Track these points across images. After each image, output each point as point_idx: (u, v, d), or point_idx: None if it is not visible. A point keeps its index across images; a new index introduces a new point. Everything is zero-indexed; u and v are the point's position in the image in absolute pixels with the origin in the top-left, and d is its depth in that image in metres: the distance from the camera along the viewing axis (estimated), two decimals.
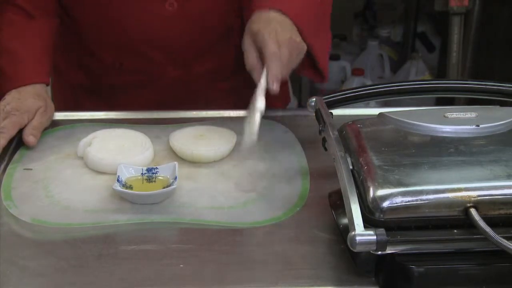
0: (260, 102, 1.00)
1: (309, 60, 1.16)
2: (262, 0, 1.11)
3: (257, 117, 1.00)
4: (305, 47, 1.08)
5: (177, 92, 1.34)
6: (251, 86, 1.04)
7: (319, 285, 0.84)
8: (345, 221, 0.82)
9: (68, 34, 1.33)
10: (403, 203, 0.80)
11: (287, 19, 1.08)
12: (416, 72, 2.70)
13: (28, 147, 1.14)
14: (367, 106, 1.57)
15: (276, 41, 1.02)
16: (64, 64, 1.39)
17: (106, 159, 1.07)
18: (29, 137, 1.13)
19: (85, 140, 1.12)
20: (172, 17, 1.24)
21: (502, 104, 1.07)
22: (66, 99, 1.42)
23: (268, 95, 1.02)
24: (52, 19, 1.28)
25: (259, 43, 1.03)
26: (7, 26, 1.23)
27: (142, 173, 1.04)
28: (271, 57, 1.01)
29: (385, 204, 0.80)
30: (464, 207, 0.80)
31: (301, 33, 1.08)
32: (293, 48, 1.05)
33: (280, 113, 1.27)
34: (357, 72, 2.70)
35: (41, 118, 1.16)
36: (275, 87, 1.01)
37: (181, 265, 0.88)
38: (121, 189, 0.99)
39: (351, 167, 0.86)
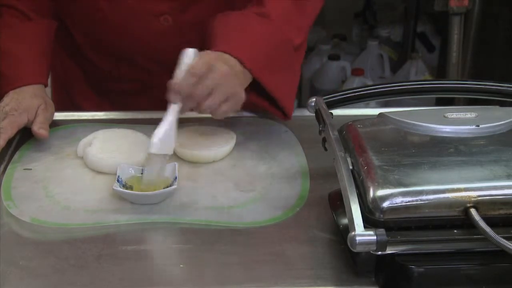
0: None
1: (271, 98, 1.14)
2: (215, 44, 1.10)
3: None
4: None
5: None
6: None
7: (319, 285, 0.84)
8: (345, 221, 0.82)
9: (68, 39, 1.33)
10: (403, 203, 0.80)
11: (232, 58, 1.07)
12: (416, 72, 2.69)
13: (27, 147, 1.14)
14: (367, 106, 1.57)
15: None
16: (64, 65, 1.39)
17: (106, 159, 1.07)
18: (40, 130, 1.13)
19: (85, 140, 1.12)
20: (167, 31, 1.24)
21: (502, 104, 1.07)
22: (65, 100, 1.42)
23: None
24: (50, 20, 1.28)
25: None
26: (5, 28, 1.22)
27: (142, 173, 1.03)
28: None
29: (385, 204, 0.80)
30: (464, 207, 0.80)
31: (249, 71, 1.08)
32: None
33: None
34: (357, 72, 2.69)
35: (44, 114, 1.16)
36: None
37: (181, 265, 0.88)
38: (121, 189, 0.99)
39: (351, 167, 0.86)
